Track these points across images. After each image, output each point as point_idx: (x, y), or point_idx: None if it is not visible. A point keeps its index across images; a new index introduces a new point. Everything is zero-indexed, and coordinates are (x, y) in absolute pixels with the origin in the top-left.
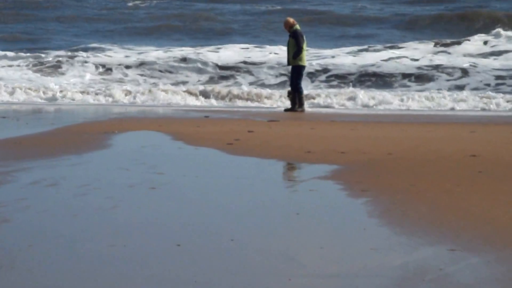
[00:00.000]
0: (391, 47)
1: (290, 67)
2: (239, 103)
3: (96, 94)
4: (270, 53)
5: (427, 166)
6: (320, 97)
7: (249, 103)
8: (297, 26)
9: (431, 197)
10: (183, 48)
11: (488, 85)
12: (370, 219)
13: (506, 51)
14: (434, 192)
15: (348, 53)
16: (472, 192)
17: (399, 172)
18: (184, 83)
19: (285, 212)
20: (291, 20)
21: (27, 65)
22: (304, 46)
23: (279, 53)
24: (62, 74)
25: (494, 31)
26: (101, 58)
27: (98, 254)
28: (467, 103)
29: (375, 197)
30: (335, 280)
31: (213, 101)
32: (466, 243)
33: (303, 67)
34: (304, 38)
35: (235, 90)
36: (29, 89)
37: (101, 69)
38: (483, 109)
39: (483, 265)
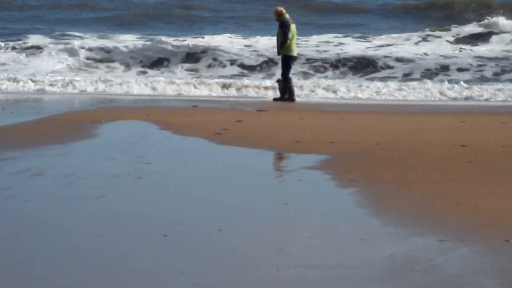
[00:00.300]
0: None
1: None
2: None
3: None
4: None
5: (417, 156)
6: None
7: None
8: (286, 16)
9: (420, 187)
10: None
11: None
12: (359, 209)
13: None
14: (423, 182)
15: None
16: (462, 182)
17: (388, 162)
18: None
19: (273, 202)
20: (279, 9)
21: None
22: (293, 36)
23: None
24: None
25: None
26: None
27: (84, 244)
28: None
29: (364, 187)
30: (323, 271)
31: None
32: (455, 234)
33: (291, 57)
34: (293, 27)
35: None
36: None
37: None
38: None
39: (472, 255)
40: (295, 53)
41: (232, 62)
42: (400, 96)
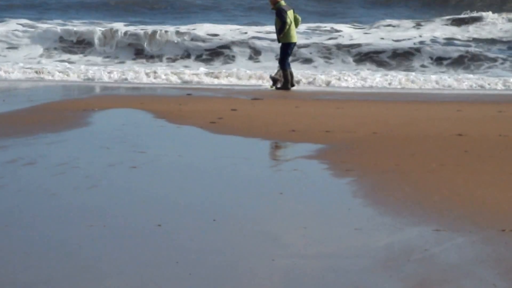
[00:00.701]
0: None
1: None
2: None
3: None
4: None
5: (413, 145)
6: None
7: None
8: (282, 3)
9: (416, 177)
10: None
11: None
12: (355, 199)
13: None
14: (419, 172)
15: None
16: (458, 172)
17: (384, 152)
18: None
19: (268, 191)
20: None
21: None
22: (291, 22)
23: None
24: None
25: None
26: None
27: (76, 234)
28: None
29: (360, 177)
30: (318, 261)
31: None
32: (451, 223)
33: (289, 44)
34: (291, 13)
35: None
36: None
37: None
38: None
39: (468, 245)
40: (294, 39)
41: None
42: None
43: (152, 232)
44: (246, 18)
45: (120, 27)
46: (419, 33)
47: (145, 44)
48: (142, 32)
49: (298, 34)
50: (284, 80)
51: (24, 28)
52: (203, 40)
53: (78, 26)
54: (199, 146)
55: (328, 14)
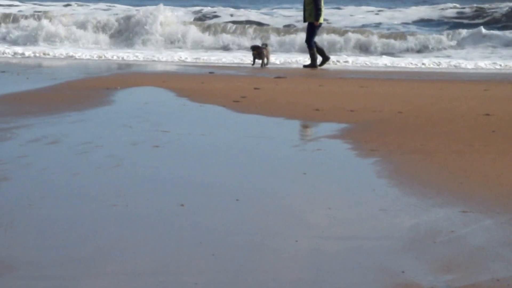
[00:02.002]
0: None
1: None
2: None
3: None
4: None
5: (439, 125)
6: None
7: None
8: None
9: (443, 157)
10: None
11: None
12: (379, 179)
13: None
14: (445, 152)
15: None
16: (485, 152)
17: (410, 132)
18: None
19: (292, 171)
20: None
21: None
22: (322, 4)
23: None
24: None
25: None
26: None
27: (99, 213)
28: None
29: (385, 157)
30: (342, 242)
31: None
32: (478, 205)
33: (319, 24)
34: None
35: None
36: None
37: None
38: None
39: (495, 227)
40: (322, 20)
41: None
42: None
43: (175, 212)
44: None
45: None
46: None
47: None
48: None
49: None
50: (311, 59)
51: None
52: None
53: None
54: (222, 125)
55: None
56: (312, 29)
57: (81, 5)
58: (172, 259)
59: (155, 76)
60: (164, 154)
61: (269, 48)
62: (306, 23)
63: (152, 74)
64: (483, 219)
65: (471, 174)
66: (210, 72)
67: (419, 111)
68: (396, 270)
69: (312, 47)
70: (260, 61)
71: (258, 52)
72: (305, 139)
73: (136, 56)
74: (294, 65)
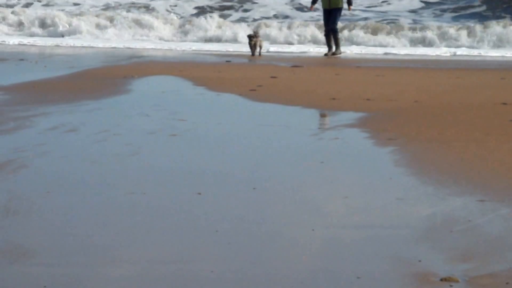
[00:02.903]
0: None
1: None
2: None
3: None
4: None
5: (455, 114)
6: None
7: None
8: None
9: (460, 146)
10: None
11: None
12: (397, 168)
13: None
14: (462, 141)
15: None
16: (503, 141)
17: (427, 121)
18: None
19: (309, 160)
20: None
21: None
22: None
23: None
24: None
25: None
26: None
27: (116, 201)
28: None
29: (402, 146)
30: (359, 231)
31: None
32: (496, 194)
33: (341, 8)
34: None
35: None
36: None
37: None
38: None
39: None
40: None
41: None
42: None
43: (192, 200)
44: None
45: None
46: None
47: None
48: None
49: None
50: (336, 45)
51: None
52: None
53: None
54: (239, 114)
55: None
56: (340, 14)
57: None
58: (189, 247)
59: (172, 65)
60: (181, 143)
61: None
62: (323, 10)
63: (170, 63)
64: (500, 208)
65: (488, 163)
66: (227, 61)
67: (436, 100)
68: (413, 259)
69: (338, 31)
70: (257, 50)
71: (255, 41)
72: (322, 128)
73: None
74: (312, 54)
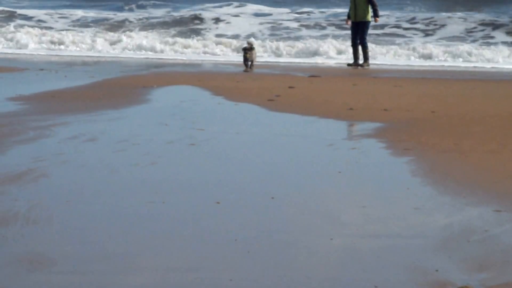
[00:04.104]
0: None
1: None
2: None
3: None
4: None
5: (472, 125)
6: None
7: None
8: None
9: (476, 157)
10: None
11: None
12: (414, 178)
13: None
14: (479, 152)
15: None
16: None
17: (443, 131)
18: None
19: (326, 170)
20: None
21: None
22: None
23: None
24: None
25: None
26: None
27: (136, 210)
28: None
29: (419, 156)
30: (377, 240)
31: None
32: None
33: (370, 22)
34: None
35: None
36: None
37: None
38: None
39: None
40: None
41: None
42: None
43: (211, 209)
44: None
45: None
46: None
47: None
48: None
49: None
50: (365, 58)
51: None
52: None
53: None
54: (257, 124)
55: None
56: (367, 27)
57: None
58: (208, 256)
59: (191, 75)
60: (199, 152)
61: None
62: (351, 22)
63: (188, 73)
64: None
65: (505, 174)
66: (245, 71)
67: (452, 111)
68: (430, 269)
69: (367, 46)
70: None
71: (249, 54)
72: (340, 138)
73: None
74: (330, 64)
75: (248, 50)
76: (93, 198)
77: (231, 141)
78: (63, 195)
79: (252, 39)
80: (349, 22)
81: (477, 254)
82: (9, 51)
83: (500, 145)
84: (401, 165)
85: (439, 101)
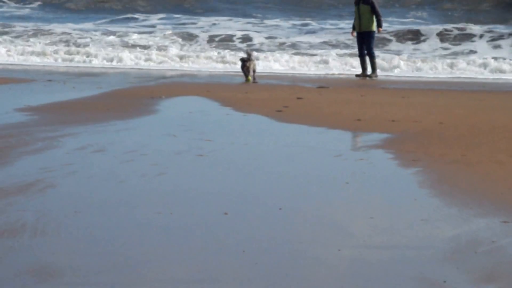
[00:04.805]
0: None
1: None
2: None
3: None
4: None
5: (480, 136)
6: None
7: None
8: None
9: (484, 168)
10: None
11: None
12: (421, 189)
13: None
14: (486, 163)
15: None
16: None
17: (451, 142)
18: None
19: (334, 181)
20: None
21: None
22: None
23: None
24: None
25: None
26: None
27: (144, 221)
28: None
29: (426, 167)
30: (384, 251)
31: None
32: None
33: (374, 31)
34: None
35: None
36: None
37: None
38: None
39: None
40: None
41: None
42: None
43: (219, 220)
44: None
45: None
46: None
47: None
48: None
49: None
50: (373, 68)
51: None
52: None
53: None
54: (265, 135)
55: None
56: (373, 37)
57: None
58: (215, 267)
59: (200, 85)
60: (207, 163)
61: (254, 59)
62: (356, 33)
63: (197, 84)
64: None
65: None
66: (253, 82)
67: (460, 122)
68: (438, 280)
69: (374, 56)
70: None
71: (248, 65)
72: (347, 149)
73: None
74: (342, 75)
75: (246, 61)
76: (101, 209)
77: (239, 152)
78: (71, 206)
79: (253, 52)
80: (354, 34)
81: (485, 265)
82: None
83: (507, 156)
84: (409, 176)
85: (447, 112)
